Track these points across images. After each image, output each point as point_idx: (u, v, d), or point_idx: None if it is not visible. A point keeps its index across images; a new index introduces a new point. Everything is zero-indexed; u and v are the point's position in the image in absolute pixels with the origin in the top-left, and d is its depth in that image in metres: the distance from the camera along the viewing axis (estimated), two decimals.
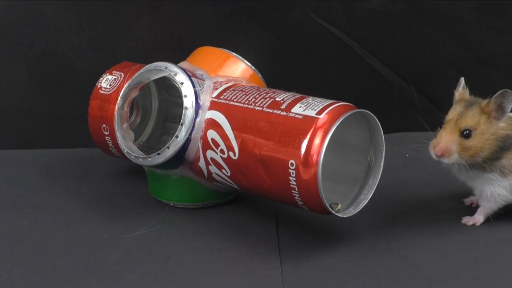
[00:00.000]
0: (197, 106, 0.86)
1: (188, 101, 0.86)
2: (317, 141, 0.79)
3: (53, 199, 0.99)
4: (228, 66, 0.93)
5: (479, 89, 1.18)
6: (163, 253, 0.84)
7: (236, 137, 0.84)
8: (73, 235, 0.89)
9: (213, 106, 0.87)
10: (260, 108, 0.84)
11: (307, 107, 0.82)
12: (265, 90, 0.88)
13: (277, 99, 0.85)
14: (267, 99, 0.85)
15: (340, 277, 0.80)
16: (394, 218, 0.92)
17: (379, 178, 0.86)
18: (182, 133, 0.86)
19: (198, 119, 0.86)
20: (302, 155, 0.79)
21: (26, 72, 1.16)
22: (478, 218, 0.90)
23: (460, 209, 0.94)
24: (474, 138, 0.85)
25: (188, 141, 0.86)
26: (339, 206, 0.84)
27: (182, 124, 0.86)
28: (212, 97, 0.88)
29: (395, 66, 1.18)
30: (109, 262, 0.83)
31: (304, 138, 0.79)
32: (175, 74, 0.87)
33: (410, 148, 1.11)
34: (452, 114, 0.87)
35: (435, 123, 1.19)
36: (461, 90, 0.91)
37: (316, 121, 0.80)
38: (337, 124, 0.80)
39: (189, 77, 0.87)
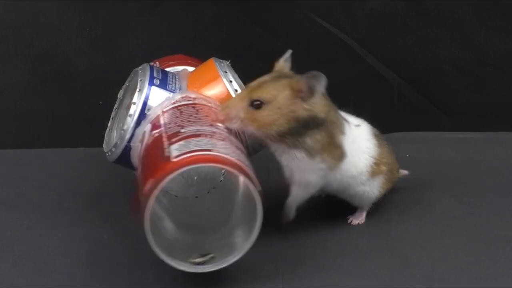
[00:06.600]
0: (141, 116, 0.84)
1: (134, 109, 0.84)
2: (148, 190, 0.74)
3: (53, 199, 0.99)
4: (211, 85, 0.88)
5: (479, 89, 1.19)
6: None
7: (142, 157, 0.82)
8: (73, 235, 0.89)
9: (154, 120, 0.84)
10: (165, 134, 0.81)
11: (182, 147, 0.76)
12: (195, 116, 0.83)
13: (182, 130, 0.80)
14: (176, 127, 0.81)
15: (340, 277, 0.80)
16: (393, 218, 0.92)
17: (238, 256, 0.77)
18: (123, 139, 0.85)
19: (138, 129, 0.84)
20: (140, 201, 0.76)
21: (26, 72, 1.16)
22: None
23: (460, 209, 0.94)
24: (264, 111, 0.80)
25: (127, 148, 0.85)
26: (198, 259, 0.79)
27: (124, 130, 0.85)
28: (162, 111, 0.85)
29: (395, 66, 1.18)
30: (109, 262, 0.83)
31: (147, 182, 0.75)
32: (141, 80, 0.86)
33: (410, 148, 1.12)
34: (256, 81, 0.82)
35: (435, 123, 1.20)
36: (282, 63, 0.85)
37: (162, 166, 0.75)
38: (166, 180, 0.74)
39: (150, 86, 0.86)
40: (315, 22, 1.16)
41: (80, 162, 1.11)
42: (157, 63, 0.98)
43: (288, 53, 0.86)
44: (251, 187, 0.76)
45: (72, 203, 0.97)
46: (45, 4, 1.14)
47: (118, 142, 0.85)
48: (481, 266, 0.81)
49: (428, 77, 1.19)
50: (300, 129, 0.81)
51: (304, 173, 0.84)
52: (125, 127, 0.84)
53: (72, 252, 0.85)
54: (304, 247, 0.85)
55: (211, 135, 0.78)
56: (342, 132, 0.85)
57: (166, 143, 0.78)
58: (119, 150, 0.85)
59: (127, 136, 0.84)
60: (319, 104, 0.82)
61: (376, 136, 0.91)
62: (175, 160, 0.75)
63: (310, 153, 0.83)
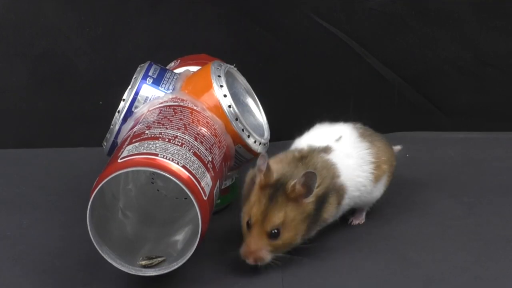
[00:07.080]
0: (128, 113, 0.85)
1: (122, 105, 0.86)
2: (93, 188, 0.76)
3: (53, 199, 0.99)
4: (202, 88, 0.87)
5: (479, 89, 1.19)
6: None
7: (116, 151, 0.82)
8: (73, 235, 0.89)
9: (138, 118, 0.85)
10: (132, 134, 0.81)
11: (133, 149, 0.77)
12: (169, 119, 0.82)
13: (146, 131, 0.80)
14: (144, 128, 0.81)
15: (340, 277, 0.80)
16: (393, 218, 0.92)
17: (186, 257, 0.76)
18: (111, 134, 0.86)
19: (124, 125, 0.85)
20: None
21: (26, 72, 1.16)
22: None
23: (460, 209, 0.94)
24: (284, 233, 0.80)
25: (114, 143, 0.86)
26: (143, 262, 0.80)
27: (112, 125, 0.86)
28: (148, 110, 0.85)
29: (395, 66, 1.18)
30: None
31: (98, 183, 0.76)
32: (135, 78, 0.87)
33: (410, 148, 1.11)
34: (256, 210, 0.80)
35: (435, 123, 1.20)
36: (266, 172, 0.80)
37: (109, 166, 0.76)
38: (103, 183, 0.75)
39: (141, 84, 0.86)
40: (315, 22, 1.16)
41: (80, 162, 1.11)
42: (179, 61, 0.98)
43: (265, 158, 0.80)
44: (191, 196, 0.75)
45: (72, 203, 0.97)
46: (45, 4, 1.14)
47: (108, 137, 0.86)
48: (481, 266, 0.81)
49: (428, 77, 1.19)
50: (315, 217, 0.82)
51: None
52: (113, 123, 0.86)
53: (72, 252, 0.85)
54: (304, 247, 0.85)
55: (170, 139, 0.78)
56: (338, 176, 0.85)
57: (126, 143, 0.79)
58: (109, 144, 0.87)
59: (115, 131, 0.85)
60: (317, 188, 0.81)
61: (363, 135, 0.90)
62: (119, 161, 0.75)
63: (326, 221, 0.84)
